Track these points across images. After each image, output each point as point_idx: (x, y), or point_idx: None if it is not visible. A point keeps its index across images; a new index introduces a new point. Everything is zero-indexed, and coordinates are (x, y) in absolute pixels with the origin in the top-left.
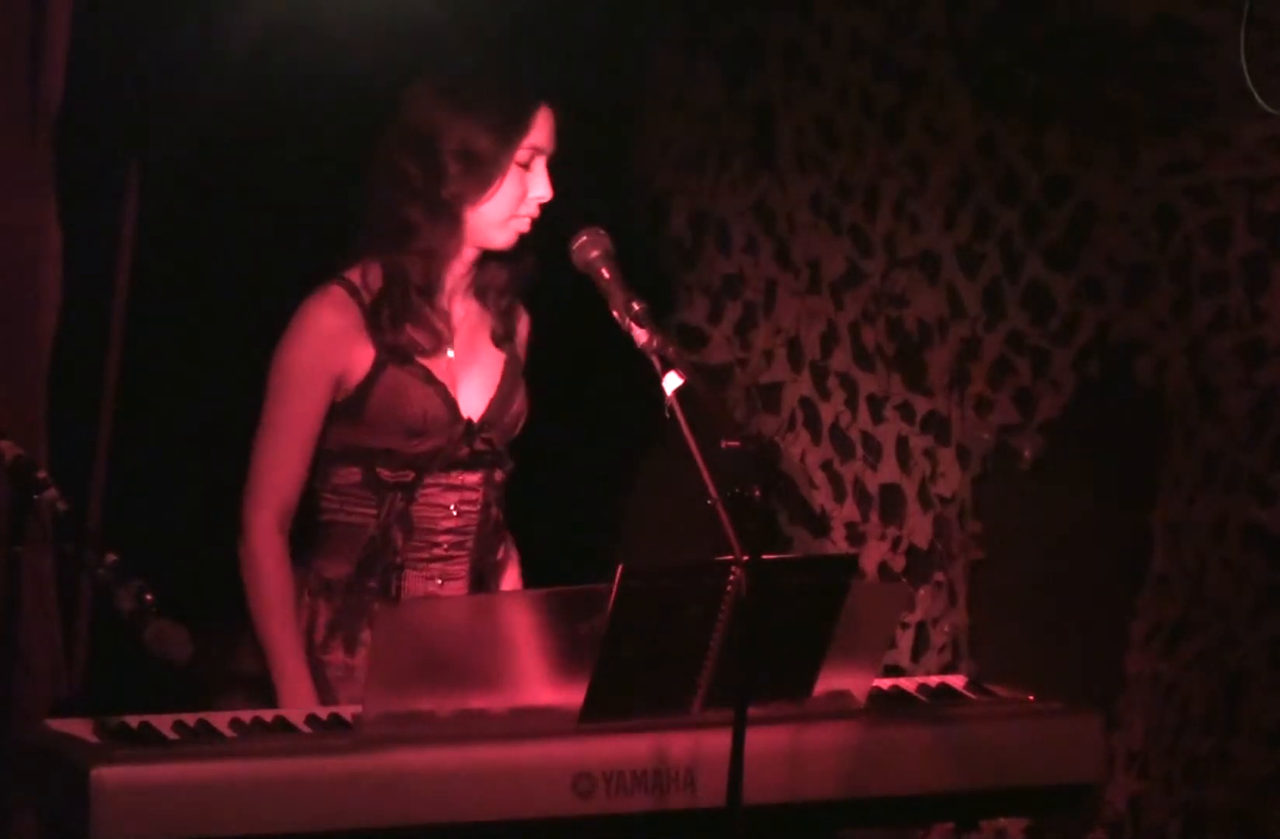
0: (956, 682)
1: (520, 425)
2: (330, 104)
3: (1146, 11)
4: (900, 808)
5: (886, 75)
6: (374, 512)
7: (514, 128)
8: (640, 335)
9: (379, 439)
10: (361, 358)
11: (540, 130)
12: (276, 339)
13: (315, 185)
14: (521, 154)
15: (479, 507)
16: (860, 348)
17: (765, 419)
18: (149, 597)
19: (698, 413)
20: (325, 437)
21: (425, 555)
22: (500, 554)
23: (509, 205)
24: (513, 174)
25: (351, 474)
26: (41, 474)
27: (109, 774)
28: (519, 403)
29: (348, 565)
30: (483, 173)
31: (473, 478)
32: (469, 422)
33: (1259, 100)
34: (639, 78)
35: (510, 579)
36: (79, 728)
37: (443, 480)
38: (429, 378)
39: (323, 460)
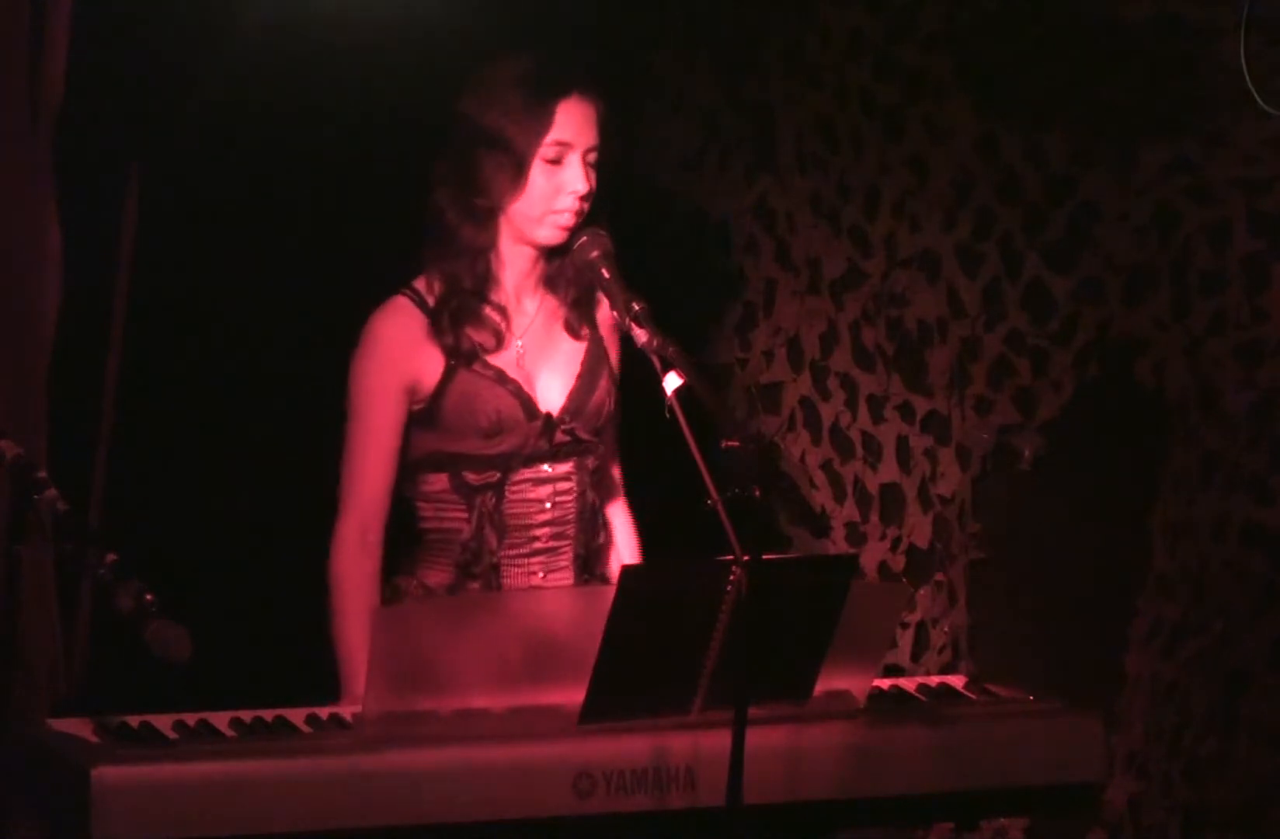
0: (956, 682)
1: (607, 413)
2: (330, 104)
3: (1146, 11)
4: (900, 808)
5: (886, 75)
6: (466, 515)
7: (534, 125)
8: (640, 335)
9: (458, 443)
10: (432, 365)
11: (566, 124)
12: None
13: (315, 185)
14: (549, 151)
15: (574, 495)
16: (860, 348)
17: (765, 419)
18: (149, 597)
19: (698, 413)
20: (409, 446)
21: (525, 551)
22: (601, 539)
23: (542, 201)
24: (542, 170)
25: (439, 480)
26: (41, 474)
27: (109, 774)
28: (602, 391)
29: (448, 571)
30: (508, 171)
31: (564, 468)
32: (548, 416)
33: (1259, 100)
34: (639, 78)
35: (624, 556)
36: (79, 728)
37: (531, 475)
38: (501, 377)
39: (410, 469)
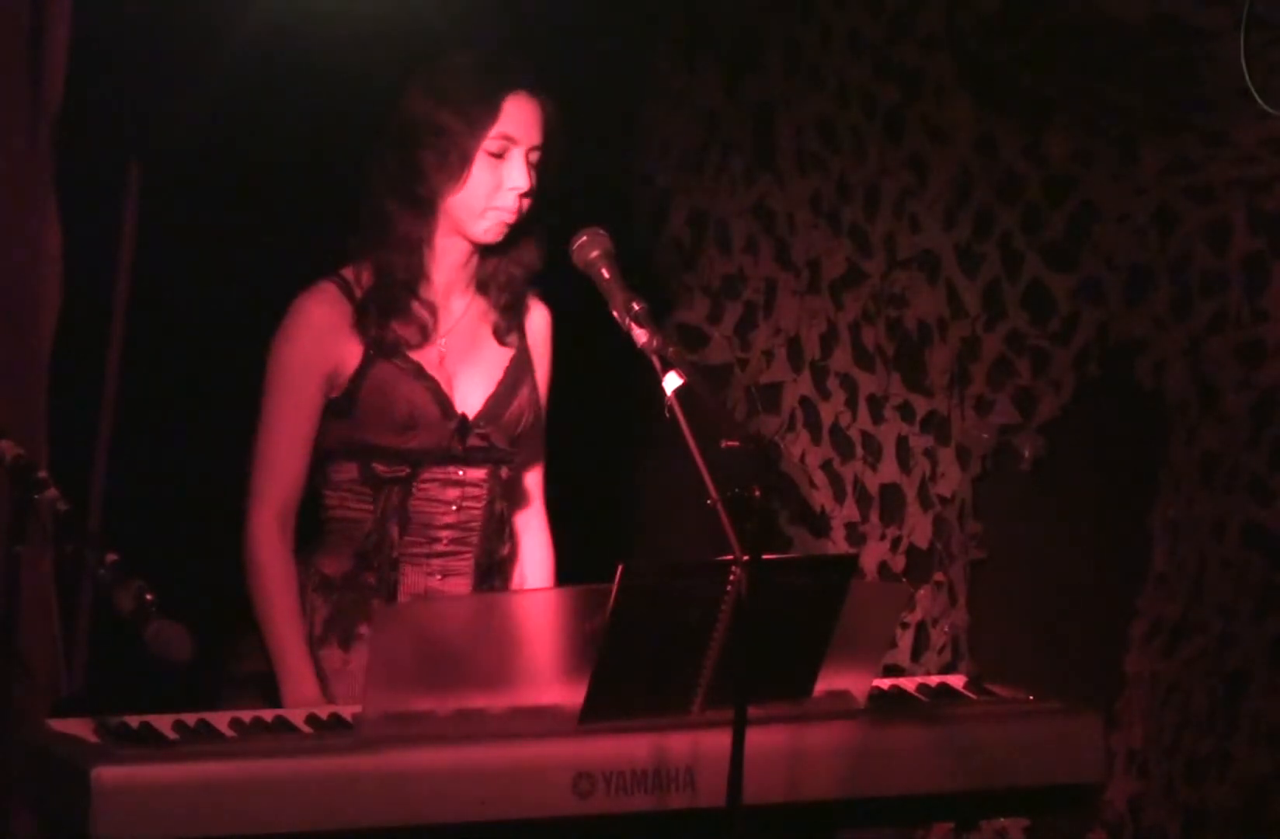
0: (956, 682)
1: (525, 422)
2: (330, 104)
3: (1146, 11)
4: (900, 808)
5: (886, 75)
6: (371, 507)
7: (480, 116)
8: (640, 335)
9: (371, 435)
10: (351, 353)
11: (512, 119)
12: (271, 338)
13: (315, 185)
14: (493, 144)
15: (483, 502)
16: (860, 348)
17: (765, 419)
18: (149, 597)
19: (698, 413)
20: (322, 433)
21: (425, 551)
22: (506, 550)
23: (483, 196)
24: (486, 163)
25: (349, 470)
26: (41, 474)
27: (109, 774)
28: (522, 400)
29: (347, 561)
30: (450, 161)
31: (476, 474)
32: (463, 417)
33: (1259, 100)
34: (639, 78)
35: (529, 576)
36: (79, 728)
37: (440, 476)
38: (419, 372)
39: (321, 457)
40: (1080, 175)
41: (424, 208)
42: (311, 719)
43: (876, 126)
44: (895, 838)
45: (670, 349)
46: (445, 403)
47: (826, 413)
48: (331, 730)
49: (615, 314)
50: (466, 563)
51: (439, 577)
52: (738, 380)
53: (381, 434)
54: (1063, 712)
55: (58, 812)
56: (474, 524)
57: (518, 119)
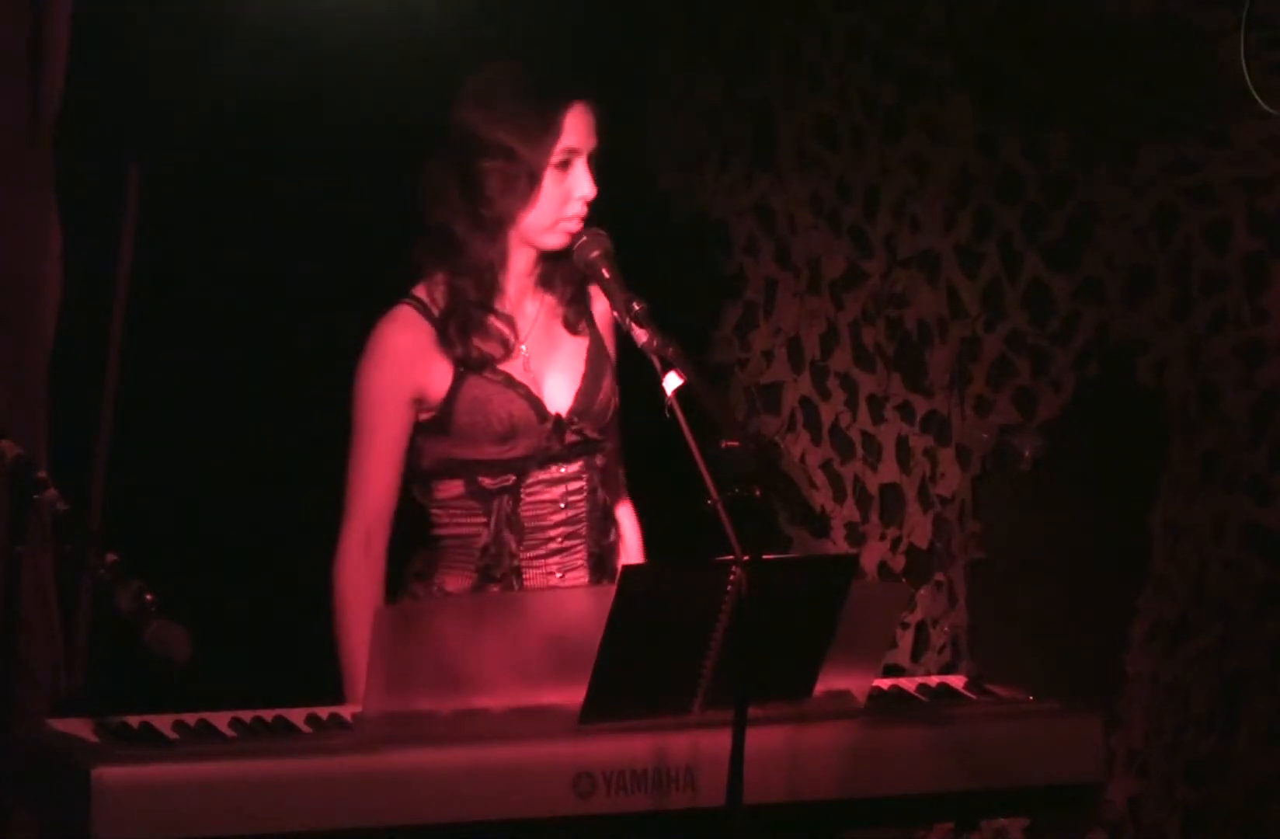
0: (956, 682)
1: (612, 410)
2: (331, 104)
3: (1146, 11)
4: (900, 808)
5: (886, 75)
6: (484, 520)
7: (544, 135)
8: (640, 335)
9: (473, 450)
10: (439, 374)
11: (573, 131)
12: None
13: (315, 185)
14: (557, 157)
15: (586, 494)
16: (860, 348)
17: (765, 419)
18: (149, 597)
19: (698, 413)
20: (419, 454)
21: (542, 552)
22: (612, 537)
23: (554, 210)
24: (552, 178)
25: (454, 487)
26: (41, 474)
27: (109, 774)
28: (606, 388)
29: (468, 577)
30: (520, 185)
31: (574, 467)
32: (557, 417)
33: (1259, 100)
34: (639, 78)
35: (630, 554)
36: (79, 728)
37: (544, 477)
38: (510, 382)
39: (423, 477)
40: (1080, 175)
41: (493, 229)
42: (311, 719)
43: (876, 126)
44: (896, 838)
45: (670, 349)
46: (539, 406)
47: (826, 413)
48: (331, 730)
49: (615, 314)
50: (581, 556)
51: (559, 575)
52: (738, 380)
53: (483, 448)
54: (1063, 712)
55: (58, 812)
56: (581, 517)
57: (578, 130)
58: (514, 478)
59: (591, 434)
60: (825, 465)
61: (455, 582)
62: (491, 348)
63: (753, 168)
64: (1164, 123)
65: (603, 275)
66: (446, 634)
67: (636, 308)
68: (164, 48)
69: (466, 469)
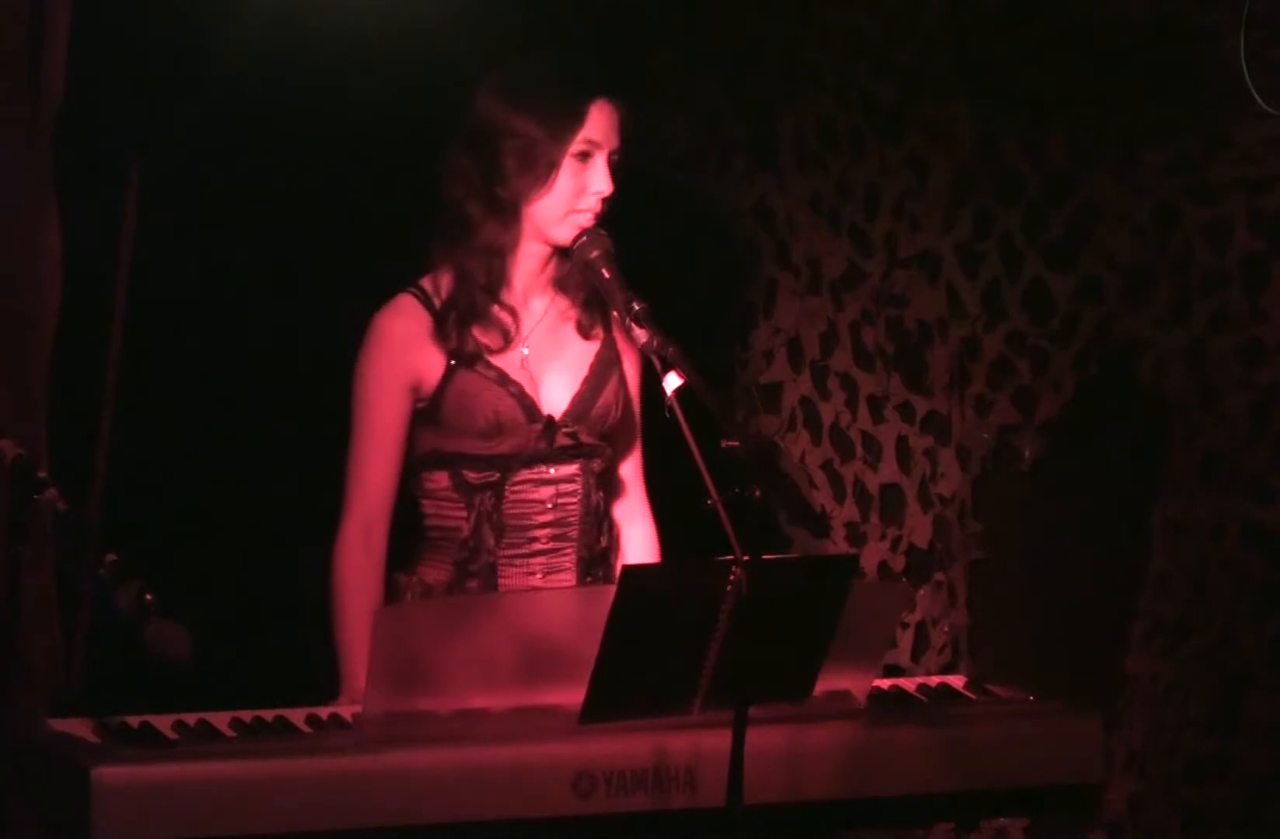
0: (956, 682)
1: (614, 415)
2: (331, 102)
3: (1146, 11)
4: (900, 808)
5: (886, 75)
6: (466, 514)
7: (567, 122)
8: (640, 335)
9: (458, 443)
10: (433, 364)
11: (596, 124)
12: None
13: (316, 184)
14: (577, 148)
15: (579, 498)
16: (860, 348)
17: (765, 419)
18: (149, 597)
19: (698, 413)
20: (414, 443)
21: (524, 551)
22: (604, 542)
23: (567, 200)
24: (569, 168)
25: (440, 478)
26: (41, 474)
27: (109, 774)
28: (610, 393)
29: (447, 570)
30: (537, 168)
31: (568, 470)
32: (549, 419)
33: (1259, 100)
34: (639, 78)
35: (643, 559)
36: (79, 728)
37: (532, 476)
38: (503, 379)
39: (415, 468)
40: (1080, 175)
41: (507, 212)
42: (311, 719)
43: (876, 126)
44: (895, 838)
45: (670, 349)
46: (530, 406)
47: (826, 413)
48: (331, 730)
49: (616, 314)
50: (569, 558)
51: (541, 575)
52: (738, 380)
53: (468, 442)
54: (1063, 712)
55: (58, 812)
56: (572, 520)
57: (601, 124)
58: (498, 474)
59: (586, 439)
60: (825, 465)
61: (435, 574)
62: (491, 338)
63: (753, 168)
64: (1164, 123)
65: (602, 275)
66: (447, 634)
67: (636, 308)
68: (164, 46)
69: (452, 461)
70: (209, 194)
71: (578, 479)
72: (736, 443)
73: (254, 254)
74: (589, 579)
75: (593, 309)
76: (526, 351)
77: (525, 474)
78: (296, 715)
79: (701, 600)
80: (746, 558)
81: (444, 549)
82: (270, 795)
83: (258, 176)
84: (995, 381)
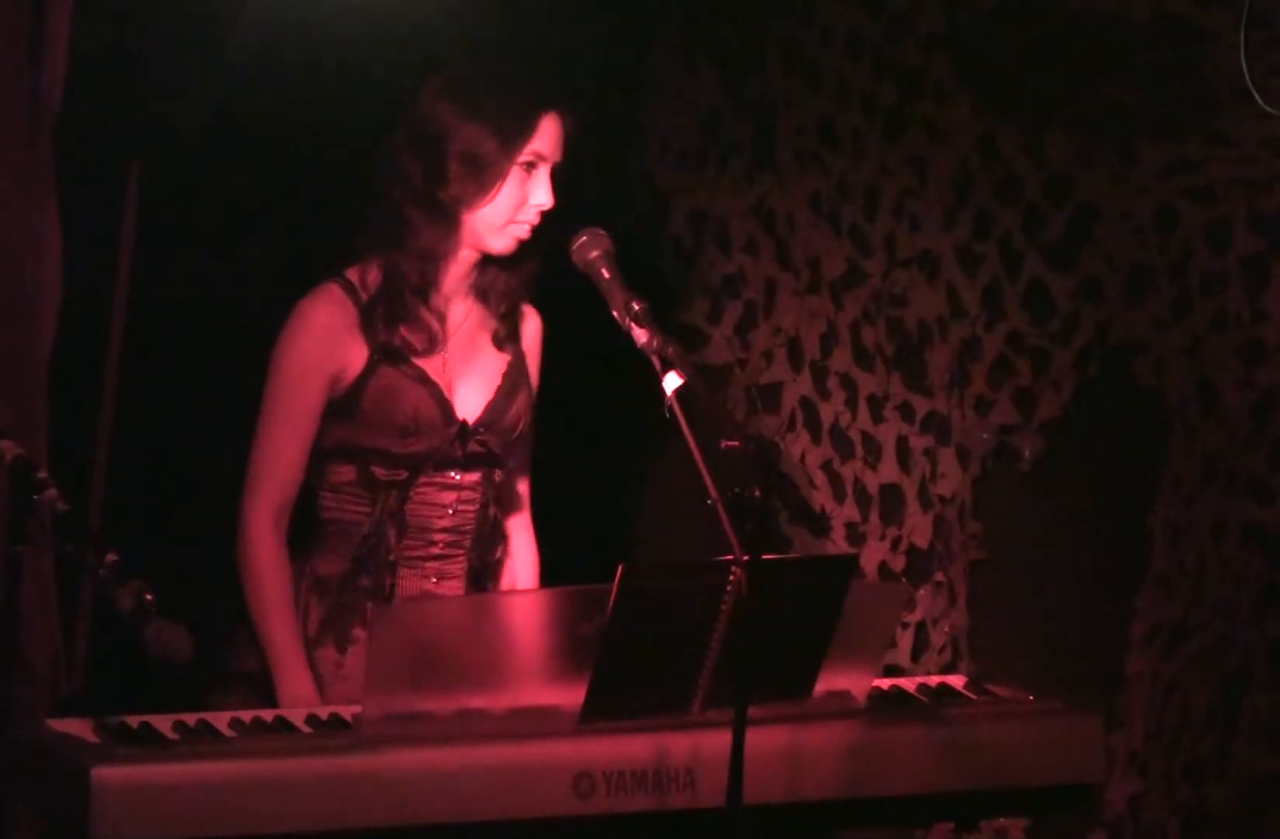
0: (956, 682)
1: (522, 427)
2: (331, 104)
3: (1146, 11)
4: (900, 808)
5: (886, 75)
6: (369, 510)
7: (518, 132)
8: (640, 335)
9: (372, 438)
10: (356, 356)
11: (545, 137)
12: (277, 338)
13: (315, 185)
14: (524, 158)
15: (477, 506)
16: (860, 348)
17: (765, 419)
18: (149, 597)
19: (698, 413)
20: (321, 435)
21: (421, 554)
22: (498, 554)
23: (508, 210)
24: (514, 179)
25: (346, 472)
26: (41, 474)
27: (109, 774)
28: (519, 405)
29: (343, 563)
30: (484, 176)
31: (471, 477)
32: (464, 423)
33: (1259, 100)
34: (639, 78)
35: (517, 578)
36: (79, 728)
37: (438, 480)
38: (423, 378)
39: (319, 458)
40: (1080, 175)
41: (449, 218)
42: (311, 719)
43: (876, 126)
44: (895, 838)
45: (670, 349)
46: (448, 409)
47: (826, 413)
48: (331, 730)
49: (615, 314)
50: (460, 566)
51: (434, 580)
52: (738, 380)
53: (383, 438)
54: (1063, 712)
55: (58, 812)
56: (468, 528)
57: (550, 137)
58: (406, 474)
59: (495, 447)
60: (825, 465)
61: (328, 566)
62: (418, 339)
63: (753, 168)
64: (1164, 123)
65: (602, 275)
66: (446, 634)
67: (636, 307)
68: (164, 48)
69: (361, 456)
70: (209, 194)
71: (479, 488)
72: (736, 443)
73: (254, 254)
74: (477, 590)
75: (510, 321)
76: (445, 355)
77: (432, 476)
78: (296, 715)
79: (701, 600)
80: (746, 558)
81: (341, 543)
82: (270, 795)
83: (258, 176)
84: (995, 381)
